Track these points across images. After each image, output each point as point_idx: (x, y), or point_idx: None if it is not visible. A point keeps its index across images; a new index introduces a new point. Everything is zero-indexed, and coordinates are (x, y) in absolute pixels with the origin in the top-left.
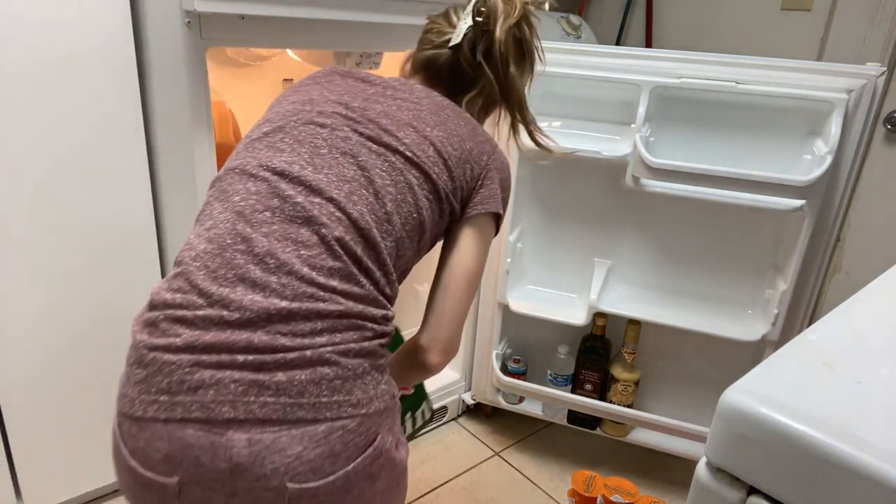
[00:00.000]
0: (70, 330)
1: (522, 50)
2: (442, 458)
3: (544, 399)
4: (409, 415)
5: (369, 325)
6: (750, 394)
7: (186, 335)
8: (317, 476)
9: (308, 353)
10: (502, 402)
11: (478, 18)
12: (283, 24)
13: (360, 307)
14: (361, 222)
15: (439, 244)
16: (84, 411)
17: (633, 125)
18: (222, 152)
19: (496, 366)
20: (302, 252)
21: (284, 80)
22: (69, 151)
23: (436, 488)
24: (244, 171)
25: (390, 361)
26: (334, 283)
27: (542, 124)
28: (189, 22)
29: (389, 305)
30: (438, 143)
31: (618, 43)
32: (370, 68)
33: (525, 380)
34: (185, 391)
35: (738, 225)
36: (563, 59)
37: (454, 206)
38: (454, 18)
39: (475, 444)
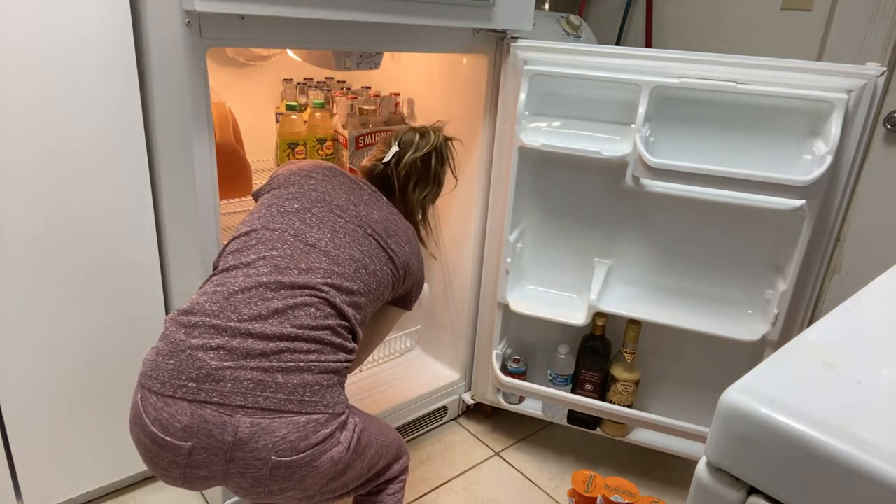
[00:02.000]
0: (70, 330)
1: (429, 174)
2: (442, 458)
3: (544, 399)
4: None
5: (342, 354)
6: (750, 394)
7: (218, 339)
8: (293, 452)
9: (301, 364)
10: (502, 402)
11: (401, 146)
12: (283, 24)
13: (339, 341)
14: (356, 292)
15: None
16: (84, 412)
17: (633, 125)
18: (222, 152)
19: (496, 366)
20: (313, 300)
21: (284, 80)
22: (69, 152)
23: (436, 488)
24: (283, 235)
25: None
26: (330, 322)
27: (542, 124)
28: (189, 22)
29: (356, 342)
30: (406, 257)
31: (618, 43)
32: (370, 68)
33: (525, 380)
34: (210, 381)
35: (738, 225)
36: (563, 59)
37: (395, 292)
38: (392, 143)
39: (475, 444)
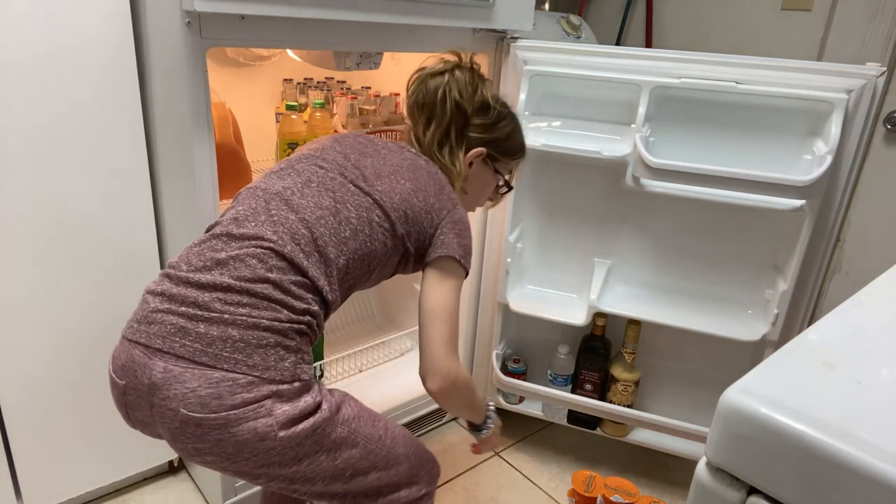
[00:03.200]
0: (70, 330)
1: (483, 111)
2: (442, 458)
3: (544, 399)
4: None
5: (285, 311)
6: (750, 394)
7: (164, 286)
8: (203, 410)
9: (226, 316)
10: (502, 402)
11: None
12: (283, 24)
13: (281, 296)
14: (320, 241)
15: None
16: (84, 411)
17: (633, 125)
18: (222, 152)
19: (496, 366)
20: (258, 251)
21: (284, 80)
22: (69, 152)
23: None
24: (255, 190)
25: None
26: (271, 275)
27: (542, 124)
28: (189, 22)
29: (318, 304)
30: (405, 194)
31: (618, 43)
32: (370, 68)
33: (525, 380)
34: (145, 323)
35: (738, 225)
36: (563, 59)
37: (408, 245)
38: None
39: None
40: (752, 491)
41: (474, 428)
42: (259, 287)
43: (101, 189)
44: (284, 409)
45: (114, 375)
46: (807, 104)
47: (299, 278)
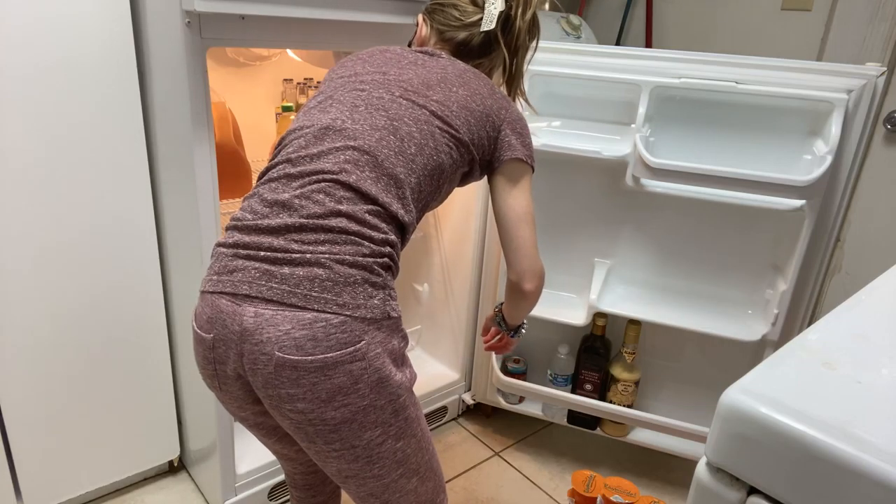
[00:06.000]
0: (71, 329)
1: (534, 33)
2: (442, 458)
3: (544, 399)
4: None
5: (366, 243)
6: (750, 394)
7: (236, 237)
8: (299, 353)
9: (308, 255)
10: (502, 402)
11: (509, 3)
12: (283, 24)
13: (358, 227)
14: (387, 163)
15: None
16: (84, 411)
17: (633, 125)
18: (222, 152)
19: (496, 366)
20: (322, 185)
21: (284, 80)
22: (69, 151)
23: None
24: (300, 131)
25: (505, 307)
26: (342, 207)
27: (541, 124)
28: (189, 22)
29: (395, 233)
30: (462, 101)
31: (618, 43)
32: None
33: (525, 380)
34: (226, 273)
35: (738, 225)
36: (563, 59)
37: (474, 153)
38: (479, 1)
39: (475, 444)
40: (752, 491)
41: (513, 330)
42: (333, 221)
43: (101, 189)
44: (377, 352)
45: (200, 332)
46: (807, 104)
47: (371, 206)
